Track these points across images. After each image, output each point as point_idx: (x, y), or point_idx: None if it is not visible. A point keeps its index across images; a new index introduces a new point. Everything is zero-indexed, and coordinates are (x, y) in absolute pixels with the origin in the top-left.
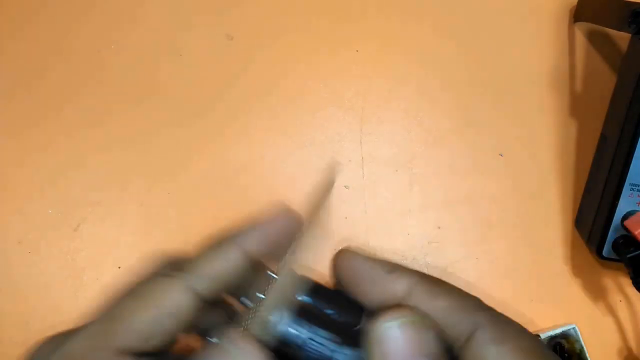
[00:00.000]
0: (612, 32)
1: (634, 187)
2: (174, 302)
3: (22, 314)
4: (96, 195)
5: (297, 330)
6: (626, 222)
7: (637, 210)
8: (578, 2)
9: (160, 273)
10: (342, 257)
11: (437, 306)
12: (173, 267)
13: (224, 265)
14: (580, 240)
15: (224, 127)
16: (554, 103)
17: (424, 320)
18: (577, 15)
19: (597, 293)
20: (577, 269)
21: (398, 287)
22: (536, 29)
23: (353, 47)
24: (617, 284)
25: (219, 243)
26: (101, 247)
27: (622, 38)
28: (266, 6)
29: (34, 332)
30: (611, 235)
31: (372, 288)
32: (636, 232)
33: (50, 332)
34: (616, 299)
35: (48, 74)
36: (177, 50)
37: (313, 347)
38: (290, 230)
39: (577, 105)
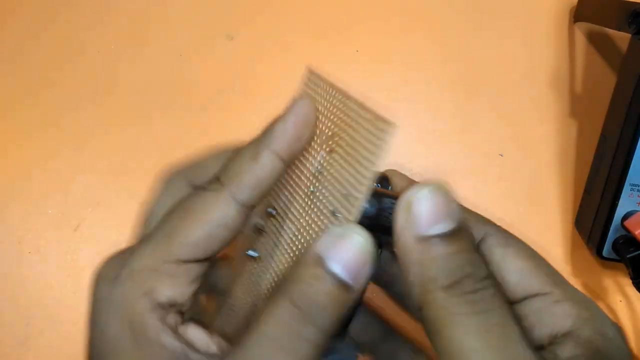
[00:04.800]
0: (612, 32)
1: (634, 187)
2: (222, 214)
3: (22, 314)
4: (96, 195)
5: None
6: (626, 222)
7: (637, 211)
8: (578, 2)
9: (204, 188)
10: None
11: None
12: (212, 180)
13: (262, 172)
14: (580, 240)
15: (224, 127)
16: (554, 103)
17: (449, 192)
18: (577, 16)
19: (597, 293)
20: (577, 269)
21: None
22: (536, 29)
23: (353, 47)
24: (617, 284)
25: (252, 150)
26: (101, 247)
27: (622, 38)
28: (266, 6)
29: (34, 332)
30: (611, 236)
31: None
32: (636, 232)
33: (51, 331)
34: (616, 299)
35: (48, 75)
36: (177, 50)
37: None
38: (311, 117)
39: (577, 106)
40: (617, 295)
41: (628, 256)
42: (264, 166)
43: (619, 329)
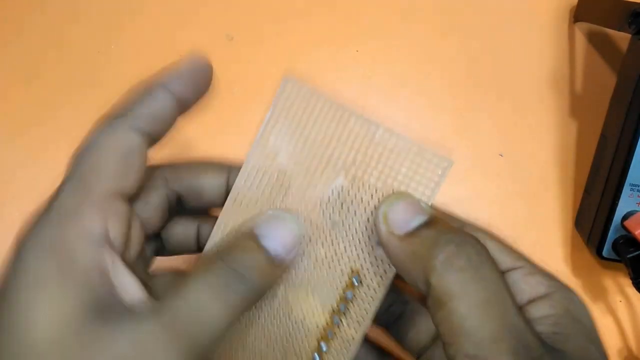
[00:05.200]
0: (612, 32)
1: (634, 188)
2: (126, 142)
3: None
4: None
5: None
6: (626, 223)
7: (637, 211)
8: (578, 3)
9: (104, 124)
10: None
11: None
12: (111, 116)
13: (155, 104)
14: (580, 240)
15: (224, 127)
16: (554, 103)
17: (413, 196)
18: (577, 16)
19: (597, 293)
20: (577, 269)
21: None
22: (536, 29)
23: (353, 47)
24: (617, 284)
25: (148, 88)
26: None
27: (622, 38)
28: (266, 6)
29: None
30: (611, 236)
31: None
32: (636, 232)
33: None
34: (616, 299)
35: (47, 74)
36: (177, 50)
37: None
38: (207, 75)
39: (577, 106)
40: (617, 295)
41: (628, 256)
42: (157, 99)
43: (581, 300)
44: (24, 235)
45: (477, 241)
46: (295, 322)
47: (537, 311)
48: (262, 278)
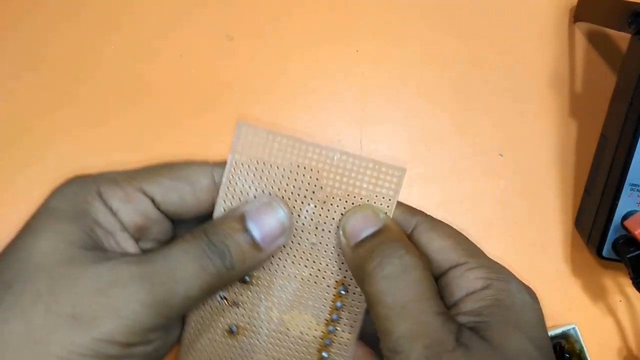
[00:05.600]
0: (612, 32)
1: (633, 187)
2: (198, 177)
3: None
4: None
5: None
6: (626, 222)
7: (637, 211)
8: (578, 2)
9: (185, 164)
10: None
11: (394, 214)
12: (195, 162)
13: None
14: (580, 240)
15: (224, 127)
16: (554, 103)
17: (368, 208)
18: (577, 16)
19: (597, 293)
20: (577, 269)
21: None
22: (536, 29)
23: (353, 47)
24: (617, 284)
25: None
26: None
27: (622, 38)
28: (266, 6)
29: None
30: (611, 235)
31: None
32: (636, 232)
33: None
34: (616, 299)
35: (47, 73)
36: (177, 50)
37: None
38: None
39: (577, 106)
40: (617, 295)
41: (628, 256)
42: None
43: (529, 289)
44: (63, 182)
45: (406, 251)
46: (295, 339)
47: (465, 306)
48: (240, 258)
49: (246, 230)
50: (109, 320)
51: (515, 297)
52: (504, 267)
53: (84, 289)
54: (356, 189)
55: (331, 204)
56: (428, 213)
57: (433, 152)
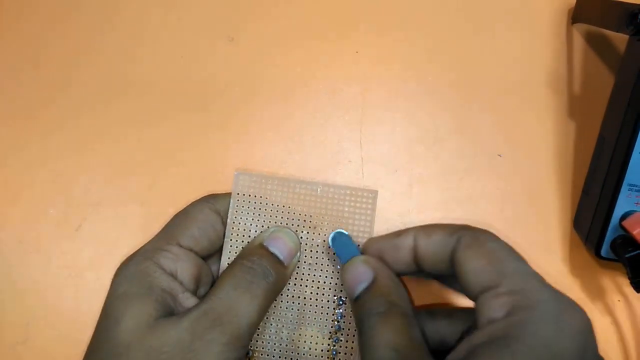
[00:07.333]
0: (611, 33)
1: (632, 188)
2: (210, 217)
3: (22, 314)
4: (97, 195)
5: None
6: (624, 223)
7: (635, 211)
8: (576, 4)
9: (197, 202)
10: (368, 244)
11: (434, 239)
12: (202, 200)
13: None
14: (579, 240)
15: (225, 127)
16: (552, 104)
17: (361, 261)
18: (576, 17)
19: (595, 293)
20: (576, 269)
21: (407, 241)
22: (534, 30)
23: (353, 47)
24: (616, 284)
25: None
26: (102, 247)
27: (621, 39)
28: (267, 8)
29: (34, 332)
30: (609, 236)
31: (394, 253)
32: (634, 232)
33: (51, 331)
34: (614, 299)
35: (47, 72)
36: (178, 51)
37: None
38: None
39: (575, 106)
40: (615, 295)
41: (626, 256)
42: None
43: (574, 317)
44: (120, 268)
45: (387, 308)
46: (304, 355)
47: (474, 337)
48: (277, 274)
49: (270, 253)
50: None
51: (537, 326)
52: (542, 291)
53: (172, 352)
54: (339, 213)
55: (321, 228)
56: (426, 213)
57: (432, 152)
